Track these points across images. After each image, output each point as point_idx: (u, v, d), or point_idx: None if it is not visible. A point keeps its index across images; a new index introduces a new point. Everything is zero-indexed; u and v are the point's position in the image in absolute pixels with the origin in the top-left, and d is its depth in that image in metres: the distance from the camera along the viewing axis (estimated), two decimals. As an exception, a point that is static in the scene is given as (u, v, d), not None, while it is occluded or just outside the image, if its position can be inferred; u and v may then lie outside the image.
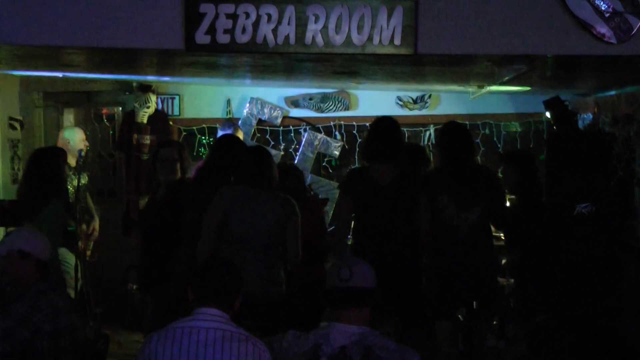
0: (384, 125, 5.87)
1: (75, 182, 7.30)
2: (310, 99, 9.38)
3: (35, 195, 6.27)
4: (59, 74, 7.85)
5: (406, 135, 9.29)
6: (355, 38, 4.76)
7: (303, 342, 3.73)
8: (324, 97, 9.36)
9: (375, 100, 9.35)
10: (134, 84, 8.80)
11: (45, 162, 6.45)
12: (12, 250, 4.50)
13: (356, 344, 3.62)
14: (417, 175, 5.92)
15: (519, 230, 6.15)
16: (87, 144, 8.06)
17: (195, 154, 9.28)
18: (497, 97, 9.14)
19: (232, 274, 3.74)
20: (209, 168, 5.98)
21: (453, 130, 5.95)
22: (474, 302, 4.87)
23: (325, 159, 9.47)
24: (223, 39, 4.72)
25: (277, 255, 5.40)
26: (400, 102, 9.38)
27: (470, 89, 8.18)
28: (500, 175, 6.56)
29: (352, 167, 9.13)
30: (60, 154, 6.71)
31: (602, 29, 4.71)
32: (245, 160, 5.57)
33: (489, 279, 5.83)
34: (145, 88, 8.76)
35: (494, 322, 4.90)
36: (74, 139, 7.89)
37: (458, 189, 5.75)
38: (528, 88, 7.98)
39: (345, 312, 3.69)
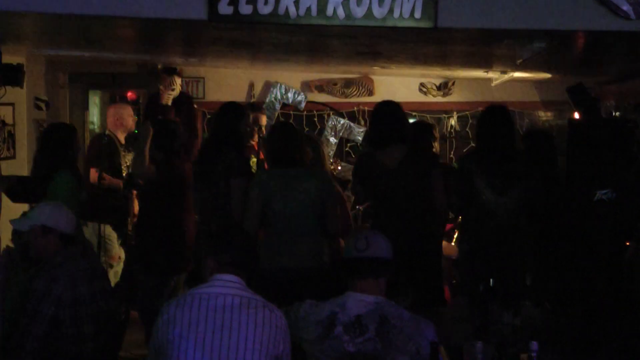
0: (385, 109, 5.85)
1: (127, 159, 7.44)
2: (334, 84, 9.42)
3: (44, 165, 6.25)
4: (86, 53, 7.92)
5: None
6: (376, 11, 4.76)
7: (319, 311, 3.78)
8: (348, 83, 9.40)
9: (398, 86, 9.37)
10: (159, 66, 8.87)
11: (55, 135, 6.41)
12: (35, 225, 4.53)
13: (372, 313, 3.66)
14: (426, 153, 5.92)
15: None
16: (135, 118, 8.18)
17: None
18: (520, 85, 9.13)
19: (251, 242, 3.82)
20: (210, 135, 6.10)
21: (492, 114, 5.84)
22: (491, 280, 4.89)
23: (349, 144, 9.50)
24: (245, 9, 4.73)
25: (321, 229, 5.46)
26: (424, 89, 9.40)
27: (492, 75, 8.18)
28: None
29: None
30: (70, 129, 6.69)
31: (621, 4, 4.70)
32: (271, 140, 5.63)
33: (518, 260, 5.81)
34: (170, 71, 8.80)
35: (511, 300, 4.91)
36: (123, 114, 8.05)
37: (493, 172, 5.67)
38: (549, 75, 7.97)
39: (361, 281, 3.74)
